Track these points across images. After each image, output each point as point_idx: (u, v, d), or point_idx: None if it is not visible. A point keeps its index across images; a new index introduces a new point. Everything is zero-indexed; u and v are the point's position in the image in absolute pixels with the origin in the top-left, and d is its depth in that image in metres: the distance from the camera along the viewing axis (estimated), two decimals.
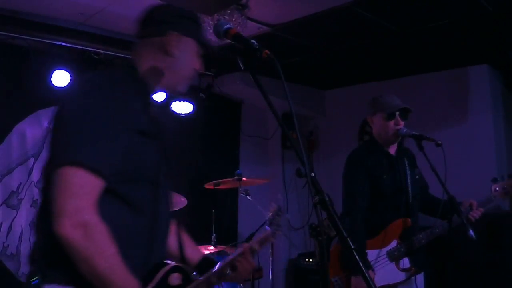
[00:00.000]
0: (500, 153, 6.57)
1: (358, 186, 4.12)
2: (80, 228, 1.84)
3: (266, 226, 2.89)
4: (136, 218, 2.10)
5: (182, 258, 2.50)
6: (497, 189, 3.94)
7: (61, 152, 1.94)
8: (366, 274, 1.71)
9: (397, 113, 4.12)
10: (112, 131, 1.99)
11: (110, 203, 2.01)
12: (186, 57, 2.38)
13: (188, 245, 2.60)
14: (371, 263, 3.93)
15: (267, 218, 2.96)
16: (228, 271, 2.46)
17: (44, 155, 5.62)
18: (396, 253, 3.96)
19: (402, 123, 4.12)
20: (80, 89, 2.10)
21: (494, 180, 3.98)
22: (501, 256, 5.63)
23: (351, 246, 1.69)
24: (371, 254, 3.99)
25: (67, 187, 1.88)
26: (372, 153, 4.22)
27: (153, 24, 2.35)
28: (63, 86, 5.45)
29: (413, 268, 3.96)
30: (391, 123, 4.12)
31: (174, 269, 2.19)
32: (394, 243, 3.98)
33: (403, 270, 3.96)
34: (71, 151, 1.92)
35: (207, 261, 2.62)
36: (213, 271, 2.40)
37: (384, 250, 4.00)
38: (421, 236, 3.93)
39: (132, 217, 2.08)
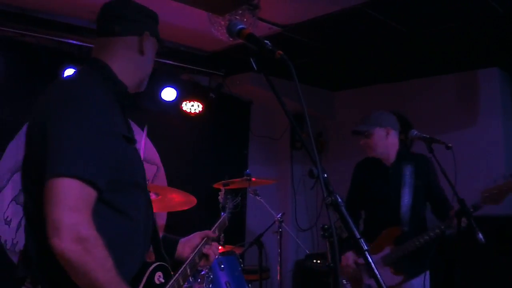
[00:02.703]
0: (510, 155, 6.54)
1: (348, 193, 4.70)
2: (80, 242, 1.80)
3: (222, 212, 3.26)
4: (126, 224, 2.09)
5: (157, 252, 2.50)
6: (486, 195, 3.91)
7: (54, 164, 1.86)
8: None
9: (356, 135, 4.54)
10: (101, 139, 1.94)
11: (104, 213, 1.99)
12: (151, 56, 2.39)
13: None
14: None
15: (220, 204, 3.19)
16: (197, 260, 2.64)
17: None
18: (388, 258, 4.20)
19: (362, 141, 4.49)
20: (60, 99, 2.00)
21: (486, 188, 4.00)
22: (509, 260, 5.60)
23: (363, 248, 1.69)
24: None
25: (64, 200, 1.81)
26: (367, 165, 4.63)
27: (126, 22, 2.30)
28: None
29: (404, 273, 4.18)
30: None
31: (157, 268, 2.22)
32: (387, 250, 4.22)
33: (397, 273, 4.11)
34: (64, 163, 1.85)
35: (165, 241, 2.63)
36: (186, 262, 2.53)
37: (378, 256, 4.25)
38: (408, 243, 4.12)
39: (123, 224, 2.08)
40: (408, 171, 4.36)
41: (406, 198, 4.28)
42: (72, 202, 1.81)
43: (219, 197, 3.39)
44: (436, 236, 4.05)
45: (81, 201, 1.84)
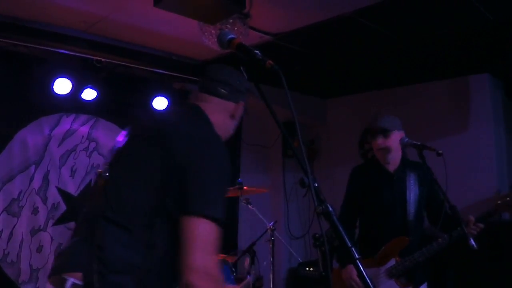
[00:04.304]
0: (501, 161, 6.56)
1: (346, 201, 4.40)
2: (212, 280, 2.06)
3: (248, 276, 3.88)
4: None
5: None
6: (499, 202, 3.90)
7: (200, 203, 2.10)
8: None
9: (375, 132, 4.19)
10: (227, 190, 2.29)
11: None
12: (238, 121, 2.67)
13: None
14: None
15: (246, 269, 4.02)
16: None
17: (45, 162, 5.62)
18: (394, 271, 4.01)
19: (379, 141, 4.17)
20: (202, 147, 2.24)
21: (498, 193, 3.95)
22: (501, 266, 5.61)
23: (355, 257, 1.68)
24: (370, 272, 4.04)
25: (208, 243, 2.08)
26: (369, 172, 4.34)
27: (231, 89, 2.57)
28: (65, 93, 5.48)
29: (411, 284, 4.01)
30: (374, 142, 4.23)
31: None
32: (392, 261, 4.03)
33: (402, 285, 3.99)
34: (210, 206, 2.10)
35: None
36: None
37: (383, 268, 4.05)
38: (417, 254, 3.94)
39: None
40: (412, 178, 4.20)
41: (412, 206, 4.12)
42: (213, 245, 2.09)
43: (245, 263, 4.19)
44: (445, 244, 3.91)
45: (217, 244, 2.11)
